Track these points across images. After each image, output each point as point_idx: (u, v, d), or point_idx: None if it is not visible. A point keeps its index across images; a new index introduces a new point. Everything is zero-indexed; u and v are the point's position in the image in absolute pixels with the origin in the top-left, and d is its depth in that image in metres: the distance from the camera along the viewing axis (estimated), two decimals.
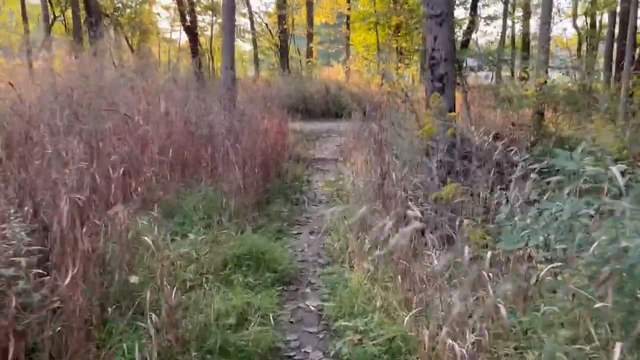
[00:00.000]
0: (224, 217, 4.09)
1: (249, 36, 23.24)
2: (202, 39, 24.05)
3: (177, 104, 6.30)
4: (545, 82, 8.01)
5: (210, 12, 22.42)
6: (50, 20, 21.88)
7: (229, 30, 7.52)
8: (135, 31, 22.33)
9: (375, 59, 20.04)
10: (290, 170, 7.04)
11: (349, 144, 8.88)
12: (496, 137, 8.12)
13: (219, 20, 22.64)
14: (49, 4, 21.89)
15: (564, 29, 21.60)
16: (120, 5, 22.48)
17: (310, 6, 21.85)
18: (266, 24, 21.92)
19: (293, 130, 10.52)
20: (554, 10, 23.20)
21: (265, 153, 6.74)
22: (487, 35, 21.43)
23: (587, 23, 20.89)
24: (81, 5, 17.61)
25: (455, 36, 9.10)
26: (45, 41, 16.46)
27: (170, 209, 4.12)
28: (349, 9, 20.48)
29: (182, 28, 19.54)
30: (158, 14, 24.34)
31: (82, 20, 18.22)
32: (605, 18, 16.75)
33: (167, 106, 5.21)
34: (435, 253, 2.99)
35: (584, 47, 19.01)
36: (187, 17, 17.71)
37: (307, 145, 9.65)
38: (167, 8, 21.58)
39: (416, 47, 21.09)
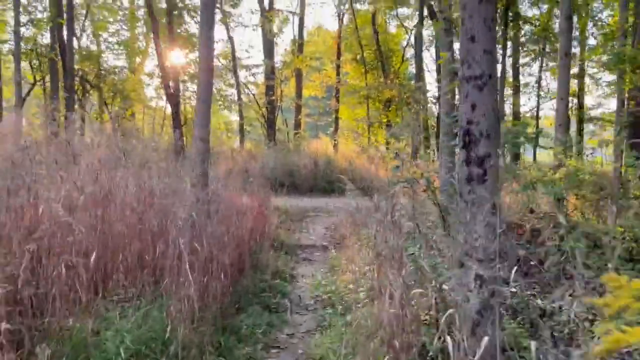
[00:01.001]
0: (165, 358, 2.76)
1: (235, 106, 22.58)
2: (188, 108, 23.37)
3: (135, 182, 5.10)
4: (566, 165, 7.00)
5: (196, 81, 21.85)
6: (31, 85, 21.10)
7: (205, 99, 6.44)
8: (117, 98, 21.53)
9: (365, 133, 19.30)
10: (270, 263, 5.73)
11: (342, 228, 7.65)
12: (516, 227, 6.98)
13: None
14: (31, 68, 21.21)
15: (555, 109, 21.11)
16: (103, 72, 21.83)
17: (299, 77, 21.37)
18: (253, 95, 21.27)
19: (277, 209, 9.30)
20: (545, 90, 23.09)
21: (240, 242, 5.46)
22: None
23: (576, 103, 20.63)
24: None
25: None
26: (16, 106, 15.49)
27: (78, 349, 2.73)
28: (338, 81, 19.97)
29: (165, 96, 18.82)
30: (146, 82, 23.60)
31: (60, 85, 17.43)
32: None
33: (109, 186, 3.97)
34: None
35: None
36: (171, 84, 16.95)
37: (292, 227, 8.40)
38: (150, 75, 20.87)
39: (406, 123, 20.54)
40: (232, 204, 6.29)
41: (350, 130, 21.61)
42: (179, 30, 19.90)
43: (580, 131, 20.52)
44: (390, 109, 19.42)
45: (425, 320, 3.10)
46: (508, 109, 19.85)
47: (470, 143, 2.97)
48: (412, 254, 3.32)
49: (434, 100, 18.23)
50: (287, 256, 6.57)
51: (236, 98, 21.64)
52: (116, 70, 22.39)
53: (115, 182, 4.20)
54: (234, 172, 10.00)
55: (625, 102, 8.68)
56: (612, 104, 23.13)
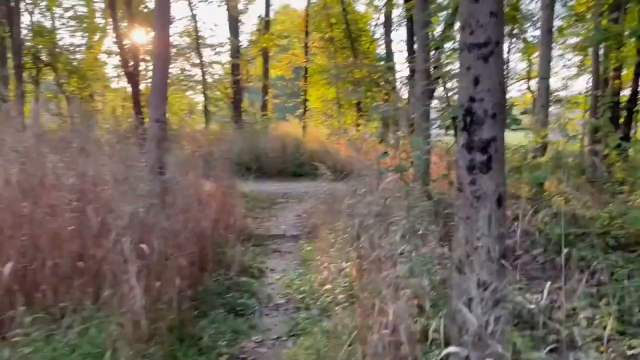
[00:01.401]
0: None
1: (200, 87, 21.64)
2: (148, 88, 22.31)
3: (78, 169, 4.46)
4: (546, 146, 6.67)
5: None
6: None
7: (160, 76, 5.79)
8: (73, 78, 20.32)
9: (335, 114, 18.77)
10: (237, 258, 5.19)
11: (314, 215, 7.16)
12: None
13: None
14: None
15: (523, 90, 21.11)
16: (57, 49, 20.53)
17: (266, 57, 20.59)
18: (219, 75, 20.39)
19: (244, 195, 8.73)
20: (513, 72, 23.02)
21: (202, 237, 4.90)
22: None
23: None
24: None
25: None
26: None
27: None
28: (306, 61, 19.30)
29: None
30: (104, 61, 22.32)
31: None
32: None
33: (42, 175, 3.33)
34: None
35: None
36: (130, 63, 15.98)
37: (260, 215, 7.85)
38: (109, 53, 19.74)
39: (375, 104, 20.09)
40: (193, 192, 5.70)
41: (319, 111, 21.00)
42: (139, 8, 18.81)
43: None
44: (359, 89, 18.91)
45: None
46: None
47: (472, 124, 2.49)
48: (402, 253, 2.84)
49: (405, 81, 17.79)
50: (255, 248, 6.05)
51: (200, 78, 20.74)
52: (71, 48, 21.09)
53: (50, 170, 3.55)
54: (197, 156, 9.37)
55: (610, 82, 8.40)
56: (577, 86, 23.23)
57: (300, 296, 4.43)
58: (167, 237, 3.96)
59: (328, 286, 3.94)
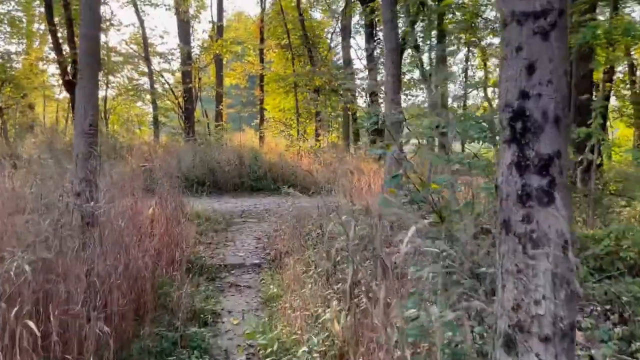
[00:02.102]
0: None
1: (149, 97, 20.32)
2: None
3: None
4: None
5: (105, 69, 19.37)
6: None
7: (88, 78, 4.76)
8: (6, 86, 18.64)
9: (294, 124, 17.93)
10: (185, 300, 4.20)
11: (277, 238, 6.25)
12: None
13: (113, 78, 19.66)
14: None
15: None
16: None
17: (219, 64, 19.56)
18: (167, 82, 19.18)
19: (196, 216, 7.72)
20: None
21: (139, 278, 3.91)
22: None
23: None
24: None
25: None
26: None
27: None
28: (262, 68, 18.38)
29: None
30: (42, 68, 20.64)
31: None
32: None
33: None
34: None
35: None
36: (68, 70, 14.62)
37: (215, 239, 6.86)
38: (41, 59, 18.21)
39: (335, 114, 19.38)
40: (130, 220, 4.69)
41: (277, 121, 20.07)
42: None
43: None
44: (319, 98, 18.14)
45: None
46: None
47: (525, 132, 1.68)
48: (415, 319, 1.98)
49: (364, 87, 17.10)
50: (208, 284, 5.07)
51: (149, 87, 19.48)
52: (5, 55, 19.38)
53: None
54: (140, 172, 8.33)
55: (601, 85, 7.89)
56: None
57: (267, 350, 3.50)
58: (88, 287, 2.98)
59: (303, 348, 3.03)
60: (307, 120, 18.78)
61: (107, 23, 19.37)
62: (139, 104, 23.09)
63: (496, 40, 17.47)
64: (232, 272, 5.53)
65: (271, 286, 4.81)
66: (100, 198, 4.58)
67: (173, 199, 6.15)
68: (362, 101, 18.98)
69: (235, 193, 11.79)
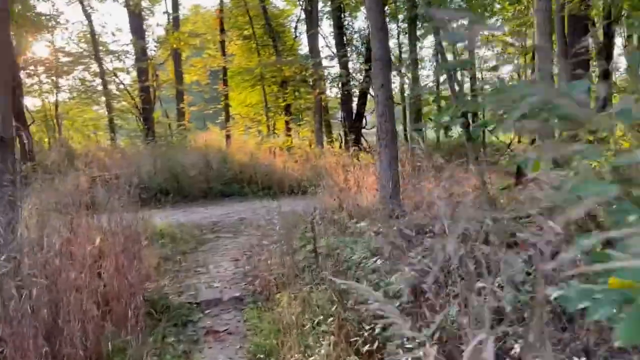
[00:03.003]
0: None
1: (103, 99, 18.73)
2: (45, 104, 19.05)
3: None
4: None
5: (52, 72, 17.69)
6: None
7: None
8: None
9: (263, 119, 16.70)
10: None
11: (260, 260, 5.11)
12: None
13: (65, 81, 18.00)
14: None
15: None
16: None
17: (177, 59, 18.12)
18: (122, 82, 17.65)
19: (158, 235, 6.52)
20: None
21: (72, 343, 2.73)
22: None
23: None
24: None
25: None
26: None
27: None
28: (224, 61, 17.03)
29: None
30: None
31: None
32: None
33: None
34: None
35: None
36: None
37: (182, 265, 5.66)
38: None
39: (305, 105, 18.23)
40: (71, 254, 3.50)
41: (244, 117, 18.73)
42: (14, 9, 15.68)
43: None
44: (287, 90, 16.95)
45: None
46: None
47: None
48: None
49: (337, 76, 16.00)
50: (178, 332, 3.90)
51: (102, 88, 17.92)
52: None
53: None
54: (92, 184, 7.08)
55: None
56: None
57: None
58: None
59: None
60: (277, 115, 17.56)
61: (53, 22, 17.78)
62: (95, 107, 21.44)
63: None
64: (208, 311, 4.36)
65: (261, 332, 3.68)
66: (20, 234, 3.37)
67: (129, 219, 4.94)
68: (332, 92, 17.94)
69: (203, 201, 10.55)
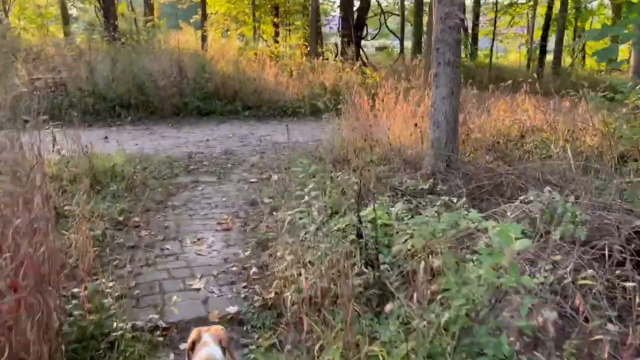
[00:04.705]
0: None
1: None
2: None
3: None
4: None
5: None
6: None
7: None
8: None
9: (249, 20, 14.10)
10: None
11: (268, 239, 3.21)
12: None
13: None
14: None
15: None
16: None
17: None
18: None
19: (108, 173, 4.52)
20: None
21: None
22: None
23: None
24: None
25: None
26: None
27: None
28: None
29: None
30: None
31: None
32: None
33: None
34: None
35: None
36: None
37: (140, 238, 3.67)
38: None
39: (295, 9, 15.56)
40: None
41: (224, 17, 15.83)
42: None
43: None
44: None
45: None
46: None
47: None
48: None
49: None
50: None
51: None
52: None
53: None
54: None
55: None
56: None
57: None
58: None
59: None
60: (265, 16, 14.89)
61: None
62: None
63: None
64: (183, 347, 2.46)
65: None
66: None
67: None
68: None
69: (176, 119, 8.41)
